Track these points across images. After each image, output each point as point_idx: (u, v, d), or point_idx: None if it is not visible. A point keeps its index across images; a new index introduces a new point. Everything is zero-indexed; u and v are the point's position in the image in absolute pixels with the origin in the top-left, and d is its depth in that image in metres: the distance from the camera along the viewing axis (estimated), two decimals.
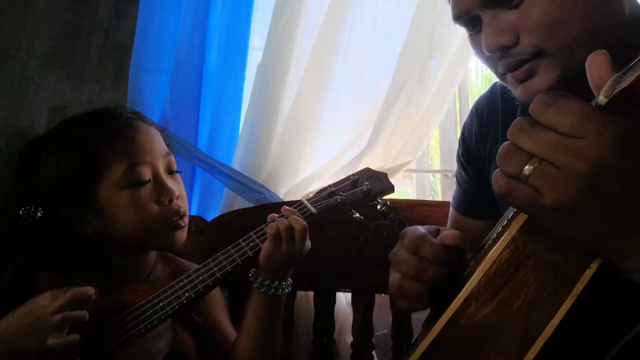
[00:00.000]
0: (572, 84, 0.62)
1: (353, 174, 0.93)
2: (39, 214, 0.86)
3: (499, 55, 0.66)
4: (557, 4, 0.61)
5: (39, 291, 0.77)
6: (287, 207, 0.87)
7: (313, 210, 0.88)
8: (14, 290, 0.85)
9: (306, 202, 0.89)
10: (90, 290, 0.76)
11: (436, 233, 0.68)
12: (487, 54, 0.67)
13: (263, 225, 0.86)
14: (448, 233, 0.65)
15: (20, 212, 0.86)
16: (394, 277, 0.67)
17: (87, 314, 0.75)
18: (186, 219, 0.91)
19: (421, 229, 0.68)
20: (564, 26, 0.61)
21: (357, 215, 0.90)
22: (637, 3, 0.67)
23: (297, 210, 0.87)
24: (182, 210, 0.90)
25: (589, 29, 0.61)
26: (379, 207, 0.91)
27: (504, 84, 0.72)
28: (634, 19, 0.64)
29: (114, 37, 1.16)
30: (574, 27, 0.61)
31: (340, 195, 0.89)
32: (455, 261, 0.65)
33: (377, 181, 0.91)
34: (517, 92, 0.68)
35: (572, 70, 0.63)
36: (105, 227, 0.87)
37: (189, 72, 1.21)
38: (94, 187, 0.86)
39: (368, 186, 0.89)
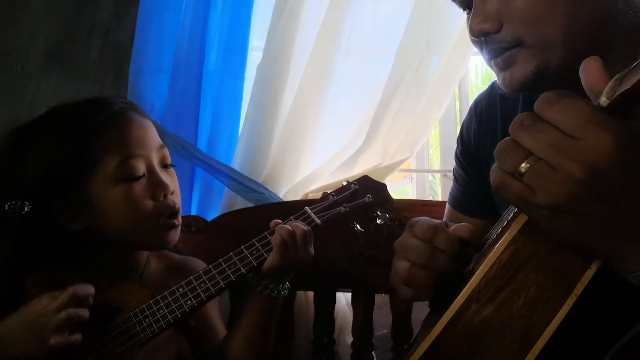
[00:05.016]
0: (553, 81, 0.63)
1: (353, 183, 0.92)
2: (26, 209, 0.81)
3: (484, 40, 0.67)
4: None
5: (27, 298, 0.74)
6: (293, 222, 0.86)
7: (318, 221, 0.87)
8: (1, 290, 0.81)
9: (310, 211, 0.88)
10: (91, 288, 0.73)
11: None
12: (472, 37, 0.68)
13: (266, 233, 0.85)
14: (463, 225, 0.65)
15: (6, 206, 0.81)
16: (401, 264, 0.65)
17: (88, 313, 0.72)
18: (180, 217, 0.88)
19: (433, 220, 0.67)
20: (544, 21, 0.62)
21: (358, 227, 0.91)
22: None
23: (301, 220, 0.87)
24: (176, 206, 0.87)
25: (570, 28, 0.62)
26: (378, 220, 0.91)
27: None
28: (625, 13, 0.64)
29: (114, 37, 1.15)
30: (554, 24, 0.62)
31: (344, 207, 0.89)
32: (463, 255, 0.65)
33: (378, 193, 0.92)
34: (499, 80, 0.69)
35: (552, 65, 0.63)
36: (97, 222, 0.83)
37: (189, 72, 1.21)
38: (85, 180, 0.81)
39: (370, 198, 0.90)
